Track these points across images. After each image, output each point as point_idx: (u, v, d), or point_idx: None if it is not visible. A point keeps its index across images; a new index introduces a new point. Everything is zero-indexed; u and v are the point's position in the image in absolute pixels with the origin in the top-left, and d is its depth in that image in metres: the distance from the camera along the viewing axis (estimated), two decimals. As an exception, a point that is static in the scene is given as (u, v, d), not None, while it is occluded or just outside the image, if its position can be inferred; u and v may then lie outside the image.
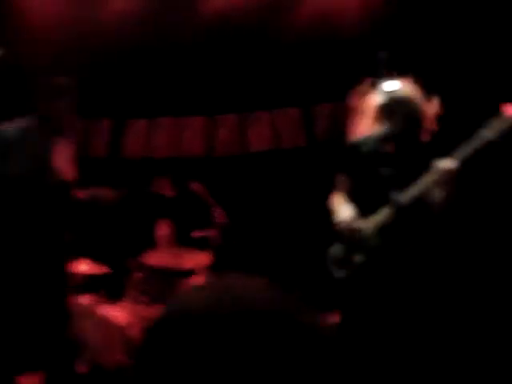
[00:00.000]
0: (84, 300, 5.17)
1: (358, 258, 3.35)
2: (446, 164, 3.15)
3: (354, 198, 3.49)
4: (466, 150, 3.13)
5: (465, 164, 3.14)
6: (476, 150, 3.12)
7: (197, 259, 5.23)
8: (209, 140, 6.53)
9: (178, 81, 6.34)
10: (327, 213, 3.59)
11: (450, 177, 3.13)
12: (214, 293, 1.00)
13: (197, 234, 5.29)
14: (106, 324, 4.90)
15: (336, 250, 3.52)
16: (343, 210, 3.50)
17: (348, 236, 3.40)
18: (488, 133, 3.09)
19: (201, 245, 5.22)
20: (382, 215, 3.30)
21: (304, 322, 0.98)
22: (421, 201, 3.25)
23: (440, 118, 3.57)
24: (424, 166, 3.33)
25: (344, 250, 3.47)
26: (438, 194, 3.18)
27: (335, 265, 3.45)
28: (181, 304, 1.01)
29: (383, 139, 3.34)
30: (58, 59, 3.62)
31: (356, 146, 3.61)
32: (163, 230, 5.72)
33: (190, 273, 5.32)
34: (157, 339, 0.99)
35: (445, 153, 3.27)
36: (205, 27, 6.15)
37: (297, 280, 4.77)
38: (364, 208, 3.40)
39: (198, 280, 5.22)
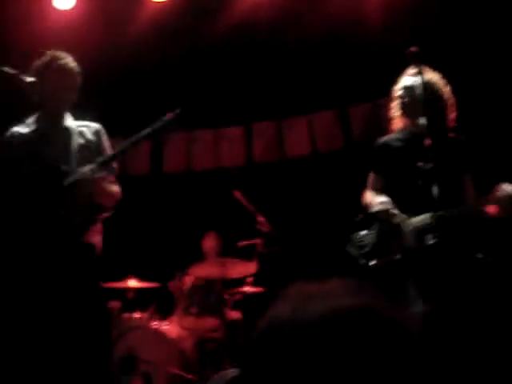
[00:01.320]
0: (136, 315, 5.27)
1: (392, 252, 3.31)
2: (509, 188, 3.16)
3: (389, 195, 3.40)
4: None
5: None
6: None
7: (243, 269, 5.27)
8: (247, 149, 6.58)
9: (212, 92, 6.41)
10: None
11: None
12: (299, 301, 1.02)
13: (242, 243, 5.32)
14: (159, 337, 4.97)
15: (366, 237, 3.41)
16: (378, 197, 3.42)
17: (384, 218, 3.31)
18: None
19: (246, 254, 5.25)
20: (424, 219, 3.20)
21: (394, 318, 1.00)
22: (470, 216, 3.22)
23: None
24: (458, 156, 3.36)
25: (375, 237, 3.37)
26: (496, 212, 3.14)
27: (365, 252, 3.37)
28: (272, 318, 1.03)
29: (419, 133, 3.30)
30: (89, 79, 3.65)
31: (387, 143, 3.57)
32: (210, 241, 5.79)
33: (236, 282, 5.36)
34: (260, 352, 1.02)
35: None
36: (236, 37, 6.20)
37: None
38: (402, 204, 3.35)
39: (245, 289, 5.26)
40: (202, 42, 6.22)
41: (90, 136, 3.47)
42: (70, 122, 3.50)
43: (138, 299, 5.40)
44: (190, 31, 6.19)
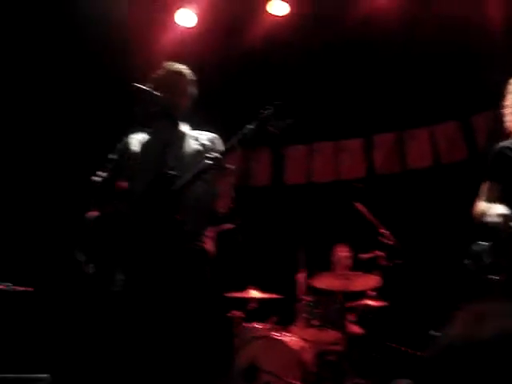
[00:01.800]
0: (258, 326, 5.33)
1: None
2: None
3: (507, 204, 3.23)
4: None
5: None
6: None
7: (365, 282, 5.22)
8: (367, 160, 6.52)
9: (331, 104, 6.41)
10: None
11: None
12: (473, 321, 1.04)
13: (364, 256, 5.27)
14: (281, 348, 5.00)
15: (483, 249, 3.27)
16: (495, 208, 3.27)
17: (503, 230, 3.16)
18: None
19: (369, 267, 5.20)
20: None
21: None
22: None
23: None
24: None
25: (494, 250, 3.22)
26: None
27: (483, 266, 3.23)
28: (447, 337, 1.05)
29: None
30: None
31: (505, 150, 3.42)
32: (342, 254, 5.75)
33: (359, 295, 5.31)
34: (435, 368, 1.05)
35: None
36: (354, 48, 6.18)
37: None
38: None
39: (367, 303, 5.20)
40: (320, 52, 6.24)
41: (205, 141, 3.50)
42: (185, 128, 3.57)
43: (259, 309, 5.46)
44: (306, 43, 6.23)
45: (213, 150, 3.34)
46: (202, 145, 3.47)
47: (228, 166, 3.22)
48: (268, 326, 5.35)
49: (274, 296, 5.45)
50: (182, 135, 3.52)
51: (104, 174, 3.50)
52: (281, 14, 6.07)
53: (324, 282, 5.34)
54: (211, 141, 3.49)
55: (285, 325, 5.43)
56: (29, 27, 6.02)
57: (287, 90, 6.42)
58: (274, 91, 6.39)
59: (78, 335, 5.30)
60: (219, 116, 4.70)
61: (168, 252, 3.26)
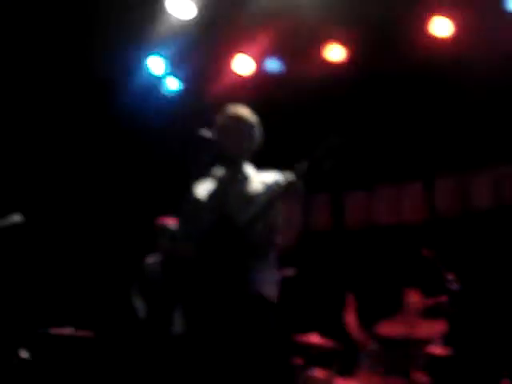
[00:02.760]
0: (320, 373, 5.22)
1: None
2: None
3: None
4: None
5: None
6: None
7: (431, 328, 5.06)
8: (429, 203, 6.42)
9: (392, 147, 6.37)
10: None
11: None
12: None
13: (429, 301, 5.12)
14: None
15: None
16: None
17: None
18: None
19: (434, 313, 5.05)
20: None
21: None
22: None
23: None
24: None
25: None
26: None
27: None
28: None
29: None
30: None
31: None
32: (413, 298, 5.59)
33: (424, 342, 5.15)
34: None
35: None
36: (411, 91, 6.15)
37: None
38: None
39: (433, 350, 5.04)
40: (376, 94, 6.24)
41: (270, 181, 3.46)
42: (249, 170, 3.56)
43: (321, 355, 5.36)
44: (362, 84, 6.25)
45: (279, 188, 3.30)
46: (267, 185, 3.45)
47: (293, 192, 3.20)
48: (330, 372, 5.24)
49: (335, 343, 5.34)
50: (246, 178, 3.52)
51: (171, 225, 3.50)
52: (337, 59, 6.16)
53: (388, 329, 5.21)
54: (276, 179, 3.46)
55: (347, 372, 5.31)
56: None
57: (345, 132, 6.42)
58: (331, 133, 6.44)
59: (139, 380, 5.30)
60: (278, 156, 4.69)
61: (231, 296, 3.23)
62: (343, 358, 5.38)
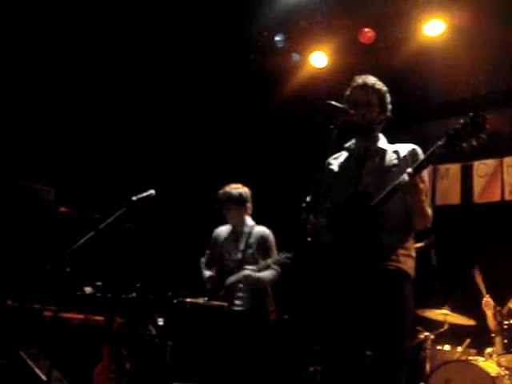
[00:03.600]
0: (451, 349, 5.14)
1: None
2: None
3: None
4: None
5: None
6: None
7: None
8: None
9: None
10: None
11: None
12: None
13: None
14: (476, 374, 4.76)
15: None
16: None
17: None
18: None
19: None
20: None
21: None
22: None
23: None
24: None
25: None
26: None
27: None
28: None
29: None
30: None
31: None
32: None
33: None
34: None
35: None
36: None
37: None
38: None
39: None
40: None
41: (404, 154, 3.40)
42: (383, 143, 3.51)
43: (453, 331, 5.26)
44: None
45: (413, 162, 3.24)
46: (401, 159, 3.40)
47: (418, 183, 3.13)
48: (461, 349, 5.14)
49: (469, 322, 5.23)
50: (379, 150, 3.48)
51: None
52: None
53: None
54: (411, 153, 3.39)
55: (479, 348, 5.17)
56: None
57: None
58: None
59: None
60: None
61: (364, 270, 3.24)
62: (475, 334, 5.25)
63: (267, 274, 4.93)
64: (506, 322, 5.01)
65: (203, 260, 5.30)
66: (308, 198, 3.17)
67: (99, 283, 5.04)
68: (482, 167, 6.41)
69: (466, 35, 5.75)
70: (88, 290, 5.05)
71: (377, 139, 3.52)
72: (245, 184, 5.19)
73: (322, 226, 3.40)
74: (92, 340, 5.23)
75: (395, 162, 3.41)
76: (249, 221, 5.16)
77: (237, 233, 5.16)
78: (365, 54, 6.25)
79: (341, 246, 3.30)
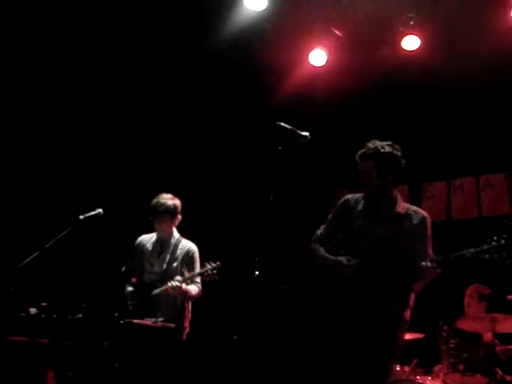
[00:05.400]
0: (399, 368, 5.17)
1: None
2: None
3: None
4: None
5: None
6: None
7: (512, 323, 4.92)
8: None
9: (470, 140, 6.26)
10: None
11: None
12: None
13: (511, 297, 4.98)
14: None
15: None
16: None
17: None
18: None
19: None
20: None
21: None
22: None
23: None
24: None
25: None
26: None
27: None
28: None
29: None
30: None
31: None
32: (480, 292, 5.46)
33: (506, 338, 5.02)
34: None
35: None
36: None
37: None
38: None
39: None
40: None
41: (415, 221, 3.71)
42: (401, 206, 3.78)
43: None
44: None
45: (424, 233, 3.69)
46: (413, 225, 3.71)
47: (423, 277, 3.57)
48: (409, 368, 5.17)
49: (416, 336, 5.27)
50: (396, 215, 3.75)
51: None
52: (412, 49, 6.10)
53: (468, 324, 5.09)
54: (421, 221, 3.73)
55: (426, 367, 5.22)
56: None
57: (418, 126, 6.38)
58: (404, 126, 6.40)
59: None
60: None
61: (374, 313, 3.64)
62: (422, 353, 5.29)
63: (193, 288, 4.86)
64: (452, 341, 5.08)
65: (123, 269, 5.16)
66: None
67: (44, 304, 4.91)
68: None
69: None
70: (33, 310, 4.91)
71: (390, 201, 3.81)
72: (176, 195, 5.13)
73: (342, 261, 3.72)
74: (36, 363, 5.08)
75: (407, 226, 3.72)
76: (175, 233, 5.09)
77: (162, 244, 5.06)
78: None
79: (359, 289, 3.65)
